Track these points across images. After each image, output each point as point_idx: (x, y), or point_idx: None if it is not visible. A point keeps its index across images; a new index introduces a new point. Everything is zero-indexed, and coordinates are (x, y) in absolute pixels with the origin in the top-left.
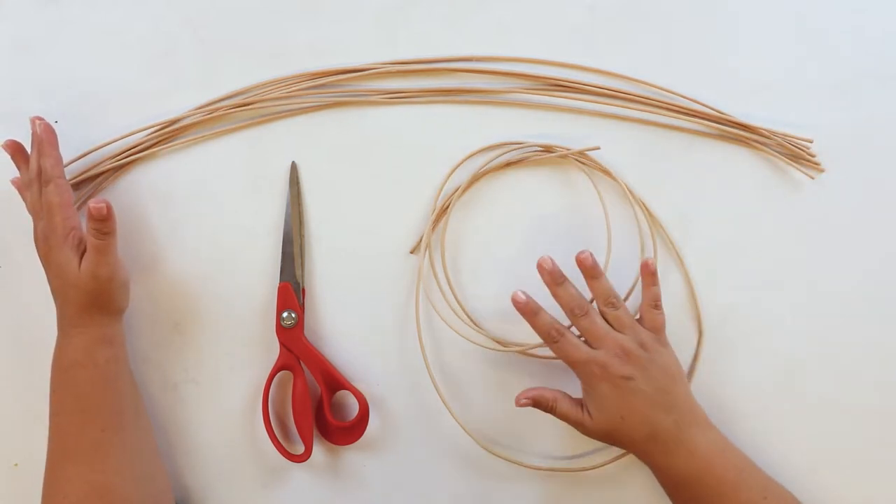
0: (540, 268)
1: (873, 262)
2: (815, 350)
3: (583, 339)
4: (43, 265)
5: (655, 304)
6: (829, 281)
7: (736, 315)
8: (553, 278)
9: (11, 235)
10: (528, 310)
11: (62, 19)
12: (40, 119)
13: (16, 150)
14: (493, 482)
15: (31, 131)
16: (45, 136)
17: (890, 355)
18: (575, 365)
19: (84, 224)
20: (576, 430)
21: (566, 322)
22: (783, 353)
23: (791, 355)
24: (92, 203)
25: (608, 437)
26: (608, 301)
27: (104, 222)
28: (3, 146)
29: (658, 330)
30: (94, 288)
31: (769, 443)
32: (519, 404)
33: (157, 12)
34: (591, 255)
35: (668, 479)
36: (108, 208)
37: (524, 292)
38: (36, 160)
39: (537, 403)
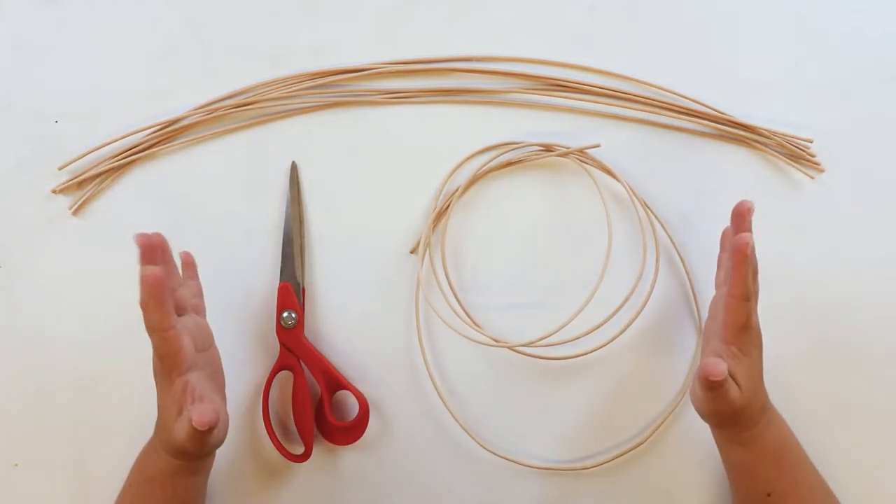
0: (741, 247)
1: (873, 261)
2: (815, 350)
3: None
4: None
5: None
6: (829, 280)
7: None
8: (750, 259)
9: (11, 235)
10: (746, 259)
11: (62, 19)
12: (154, 269)
13: (148, 248)
14: (493, 482)
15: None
16: (155, 289)
17: (890, 355)
18: (748, 330)
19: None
20: (565, 432)
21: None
22: (782, 352)
23: (791, 355)
24: (201, 416)
25: (741, 412)
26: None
27: (207, 431)
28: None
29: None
30: (181, 445)
31: None
32: (714, 375)
33: (157, 12)
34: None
35: (759, 453)
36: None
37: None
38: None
39: (721, 383)
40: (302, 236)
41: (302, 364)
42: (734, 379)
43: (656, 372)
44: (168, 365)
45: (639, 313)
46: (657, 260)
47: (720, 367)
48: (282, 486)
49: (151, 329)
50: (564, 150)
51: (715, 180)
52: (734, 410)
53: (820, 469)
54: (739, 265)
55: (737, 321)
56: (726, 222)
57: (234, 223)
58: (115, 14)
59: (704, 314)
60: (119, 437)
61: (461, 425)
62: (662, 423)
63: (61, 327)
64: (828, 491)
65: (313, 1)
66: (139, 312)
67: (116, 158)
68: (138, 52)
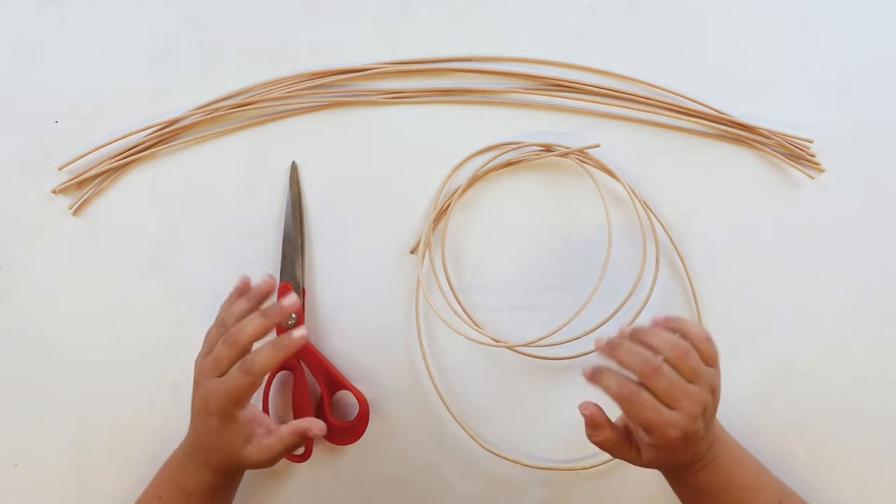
0: (598, 347)
1: (873, 262)
2: (815, 350)
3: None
4: (195, 397)
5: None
6: (829, 281)
7: (736, 315)
8: (610, 349)
9: (11, 235)
10: (595, 415)
11: (62, 19)
12: (302, 334)
13: (244, 291)
14: (493, 482)
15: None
16: (296, 345)
17: (890, 355)
18: (651, 429)
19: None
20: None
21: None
22: (783, 352)
23: (791, 355)
24: (315, 429)
25: (648, 466)
26: (676, 353)
27: (307, 439)
28: (240, 278)
29: (714, 361)
30: (248, 466)
31: (768, 442)
32: (584, 411)
33: (157, 12)
34: (670, 320)
35: (692, 493)
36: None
37: (593, 404)
38: (253, 330)
39: (594, 422)
40: (302, 236)
41: (302, 364)
42: (637, 443)
43: None
44: (237, 402)
45: (639, 313)
46: (657, 260)
47: (588, 406)
48: (282, 486)
49: (251, 370)
50: (564, 150)
51: (715, 180)
52: (628, 461)
53: (819, 470)
54: (603, 377)
55: (637, 423)
56: (726, 222)
57: (234, 223)
58: (115, 14)
59: (704, 314)
60: (119, 438)
61: (461, 425)
62: None
63: (61, 327)
64: None
65: (313, 1)
66: (139, 312)
67: (116, 158)
68: (138, 52)
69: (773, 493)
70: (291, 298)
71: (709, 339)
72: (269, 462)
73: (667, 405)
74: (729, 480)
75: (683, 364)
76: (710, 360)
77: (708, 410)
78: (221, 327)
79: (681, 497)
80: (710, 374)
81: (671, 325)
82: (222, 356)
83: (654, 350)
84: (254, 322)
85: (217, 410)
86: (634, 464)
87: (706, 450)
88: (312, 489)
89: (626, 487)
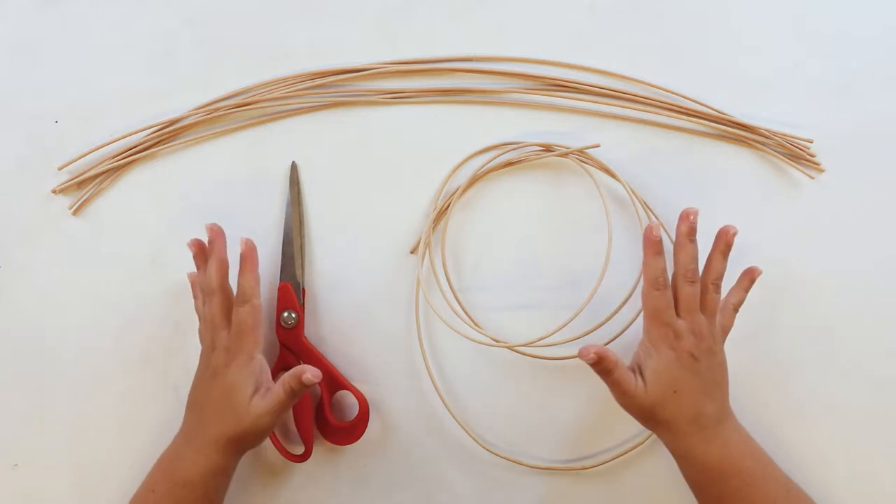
0: (685, 217)
1: (873, 262)
2: (815, 350)
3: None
4: (205, 371)
5: (737, 307)
6: (829, 281)
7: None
8: (690, 233)
9: (11, 235)
10: (655, 247)
11: (62, 19)
12: (248, 239)
13: (199, 249)
14: (493, 482)
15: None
16: (249, 254)
17: (890, 355)
18: (656, 322)
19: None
20: (565, 432)
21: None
22: (783, 352)
23: (791, 355)
24: (310, 373)
25: (651, 410)
26: (716, 281)
27: (304, 388)
28: (188, 245)
29: (726, 330)
30: (250, 425)
31: (768, 442)
32: (584, 357)
33: (157, 12)
34: (736, 233)
35: (699, 469)
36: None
37: (661, 228)
38: (218, 269)
39: (600, 360)
40: (302, 236)
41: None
42: (640, 371)
43: None
44: (250, 341)
45: (639, 313)
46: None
47: (586, 350)
48: (282, 486)
49: (242, 300)
50: (564, 150)
51: (715, 180)
52: (642, 407)
53: (819, 470)
54: (646, 250)
55: (646, 309)
56: (726, 222)
57: (234, 223)
58: (115, 14)
59: None
60: (119, 437)
61: (461, 425)
62: None
63: (61, 327)
64: None
65: (313, 1)
66: (139, 312)
67: (116, 158)
68: (138, 52)
69: (782, 485)
70: (245, 238)
71: (733, 311)
72: (270, 412)
73: (677, 312)
74: (739, 464)
75: (709, 295)
76: (724, 321)
77: (705, 341)
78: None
79: (689, 479)
80: (716, 323)
81: (748, 280)
82: (214, 308)
83: (708, 269)
84: (211, 266)
85: (239, 355)
86: (637, 402)
87: (712, 413)
88: (312, 489)
89: (626, 487)
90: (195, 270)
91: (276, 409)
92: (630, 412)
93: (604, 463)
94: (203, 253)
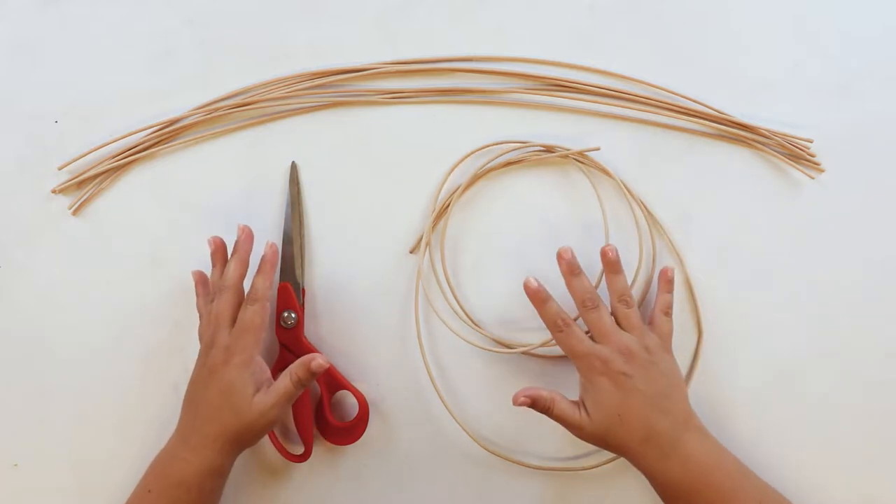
0: (559, 257)
1: (873, 261)
2: (815, 350)
3: (588, 333)
4: (202, 369)
5: (666, 311)
6: (829, 281)
7: (736, 315)
8: (570, 268)
9: (11, 235)
10: (538, 297)
11: (62, 19)
12: (273, 243)
13: (218, 247)
14: (492, 482)
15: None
16: (272, 257)
17: (890, 355)
18: (577, 357)
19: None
20: (565, 432)
21: (573, 315)
22: (783, 352)
23: (791, 355)
24: (320, 359)
25: (604, 438)
26: (622, 298)
27: (313, 377)
28: (209, 241)
29: (665, 337)
30: (252, 422)
31: (768, 443)
32: (517, 403)
33: (157, 12)
34: (616, 249)
35: (664, 487)
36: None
37: (536, 279)
38: (238, 266)
39: (535, 403)
40: (302, 236)
41: None
42: (583, 404)
43: None
44: (253, 340)
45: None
46: (654, 259)
47: (517, 397)
48: (282, 486)
49: (253, 298)
50: (564, 151)
51: (715, 180)
52: (593, 437)
53: (819, 470)
54: (532, 301)
55: (564, 350)
56: (726, 222)
57: (234, 223)
58: (115, 14)
59: (704, 314)
60: (119, 437)
61: (461, 425)
62: None
63: (61, 327)
64: None
65: (313, 1)
66: (139, 312)
67: (116, 158)
68: (138, 52)
69: (753, 496)
70: (270, 243)
71: (664, 315)
72: (275, 406)
73: (595, 341)
74: (705, 481)
75: (622, 312)
76: (658, 329)
77: (636, 356)
78: (208, 296)
79: (660, 496)
80: (647, 333)
81: (665, 281)
82: (223, 305)
83: (611, 290)
84: (232, 260)
85: (240, 354)
86: (586, 433)
87: (665, 429)
88: (312, 489)
89: (626, 488)
90: (197, 269)
91: (282, 401)
92: (586, 441)
93: (604, 463)
94: (222, 251)
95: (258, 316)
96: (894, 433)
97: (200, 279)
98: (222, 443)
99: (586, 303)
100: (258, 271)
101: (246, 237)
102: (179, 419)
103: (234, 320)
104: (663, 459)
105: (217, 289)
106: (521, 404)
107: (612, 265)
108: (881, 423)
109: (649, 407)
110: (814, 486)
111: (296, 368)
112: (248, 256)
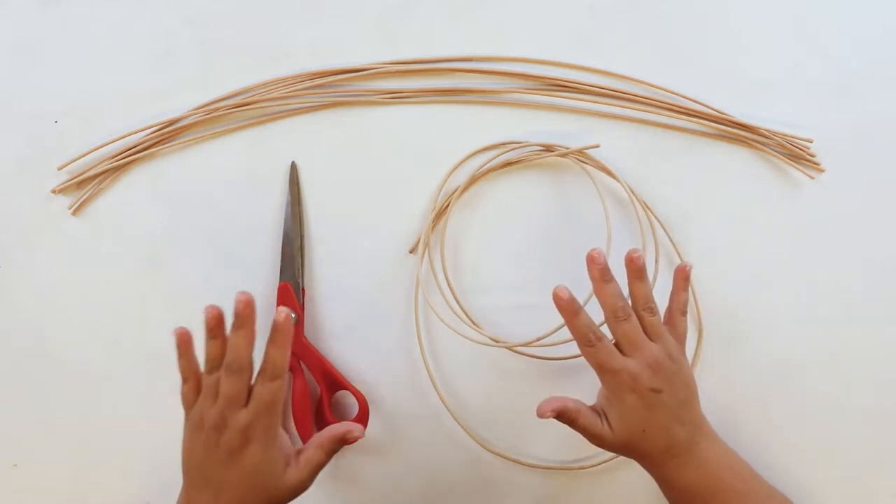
0: (591, 260)
1: (873, 261)
2: (815, 350)
3: (613, 342)
4: (217, 452)
5: (684, 311)
6: (829, 281)
7: (736, 315)
8: (602, 274)
9: (11, 235)
10: (570, 308)
11: (62, 19)
12: (287, 310)
13: (218, 321)
14: (492, 481)
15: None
16: (286, 326)
17: (890, 355)
18: (606, 373)
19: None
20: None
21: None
22: (783, 353)
23: (791, 355)
24: (357, 432)
25: (625, 449)
26: (647, 305)
27: (345, 444)
28: (204, 312)
29: (682, 338)
30: (284, 497)
31: (768, 443)
32: (542, 416)
33: (157, 12)
34: (642, 255)
35: (678, 492)
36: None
37: (567, 289)
38: (248, 343)
39: (560, 415)
40: (302, 236)
41: (302, 364)
42: (605, 415)
43: None
44: (276, 419)
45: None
46: (657, 260)
47: (543, 409)
48: None
49: (273, 374)
50: (564, 150)
51: (715, 180)
52: (613, 447)
53: (818, 470)
54: (563, 315)
55: (591, 365)
56: (726, 222)
57: (234, 223)
58: (115, 14)
59: (704, 314)
60: (119, 438)
61: (461, 425)
62: None
63: (61, 327)
64: None
65: (313, 1)
66: (139, 312)
67: (116, 158)
68: (138, 52)
69: (763, 498)
70: (283, 310)
71: (681, 315)
72: (309, 478)
73: (623, 353)
74: (717, 484)
75: (648, 320)
76: (675, 330)
77: (664, 367)
78: (192, 380)
79: (669, 499)
80: (668, 339)
81: (682, 279)
82: (237, 387)
83: (635, 297)
84: (238, 336)
85: (262, 434)
86: (606, 444)
87: (684, 438)
88: (312, 489)
89: (626, 487)
90: (181, 327)
91: (315, 473)
92: (602, 449)
93: (603, 463)
94: (221, 325)
95: (281, 393)
96: (894, 433)
97: (185, 340)
98: (273, 500)
99: (618, 313)
100: (273, 342)
101: (246, 307)
102: (188, 497)
103: (248, 400)
104: (682, 467)
105: (228, 368)
106: (547, 417)
107: (638, 272)
108: (881, 423)
109: (672, 419)
110: (814, 486)
111: (327, 441)
112: (255, 327)
